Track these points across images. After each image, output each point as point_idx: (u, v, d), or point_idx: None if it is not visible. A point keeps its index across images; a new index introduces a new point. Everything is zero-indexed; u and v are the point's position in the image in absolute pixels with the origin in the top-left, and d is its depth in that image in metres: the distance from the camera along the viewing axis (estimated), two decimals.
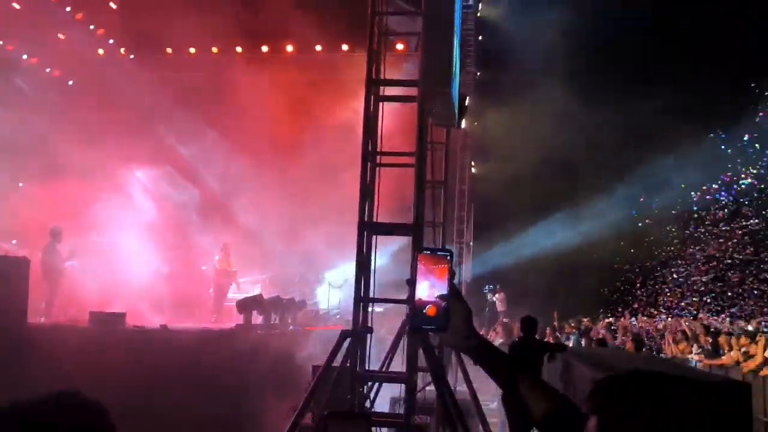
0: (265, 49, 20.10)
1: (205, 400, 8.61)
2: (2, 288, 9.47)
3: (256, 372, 10.12)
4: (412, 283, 1.66)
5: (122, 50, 20.24)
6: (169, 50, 20.26)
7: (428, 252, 1.69)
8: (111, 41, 19.78)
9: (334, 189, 15.12)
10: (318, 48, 20.03)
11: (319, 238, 17.11)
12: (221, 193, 18.60)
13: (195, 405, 8.56)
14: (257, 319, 12.59)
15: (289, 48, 20.06)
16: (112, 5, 18.83)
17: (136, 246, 15.28)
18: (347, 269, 16.30)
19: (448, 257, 1.68)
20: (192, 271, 16.66)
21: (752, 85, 30.03)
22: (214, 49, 20.13)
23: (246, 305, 12.19)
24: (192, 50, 20.23)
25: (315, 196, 16.81)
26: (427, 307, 1.65)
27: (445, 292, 1.65)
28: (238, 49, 20.18)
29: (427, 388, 9.36)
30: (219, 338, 11.13)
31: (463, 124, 7.96)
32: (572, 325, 21.66)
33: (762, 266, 29.91)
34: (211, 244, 16.83)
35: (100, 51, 19.72)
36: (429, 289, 1.65)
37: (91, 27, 18.98)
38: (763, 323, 18.18)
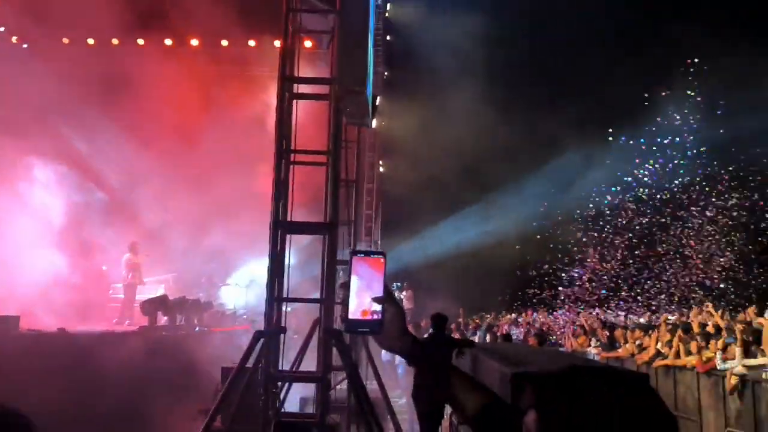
0: (169, 42, 19.49)
1: (107, 404, 8.31)
2: None
3: (161, 374, 9.84)
4: (346, 286, 1.65)
5: (14, 39, 19.18)
6: (65, 40, 19.35)
7: (362, 254, 1.69)
8: (1, 29, 18.72)
9: (242, 186, 14.90)
10: (224, 43, 19.63)
11: (226, 236, 16.78)
12: (124, 190, 17.90)
13: (96, 409, 8.26)
14: (162, 320, 12.24)
15: (194, 42, 19.56)
16: None
17: (30, 247, 14.53)
18: (254, 268, 16.11)
19: (383, 259, 1.69)
20: (93, 272, 15.99)
21: (645, 95, 31.57)
22: (115, 41, 19.35)
23: (150, 306, 11.84)
24: (91, 41, 19.38)
25: (222, 193, 16.46)
26: (362, 309, 1.65)
27: (379, 294, 1.65)
28: (140, 42, 19.49)
29: (339, 386, 9.39)
30: (122, 340, 10.73)
31: (374, 123, 8.02)
32: (476, 321, 22.22)
33: (653, 264, 31.62)
34: (112, 243, 16.21)
35: None
36: (363, 291, 1.66)
37: None
38: (653, 317, 19.21)
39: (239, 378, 5.63)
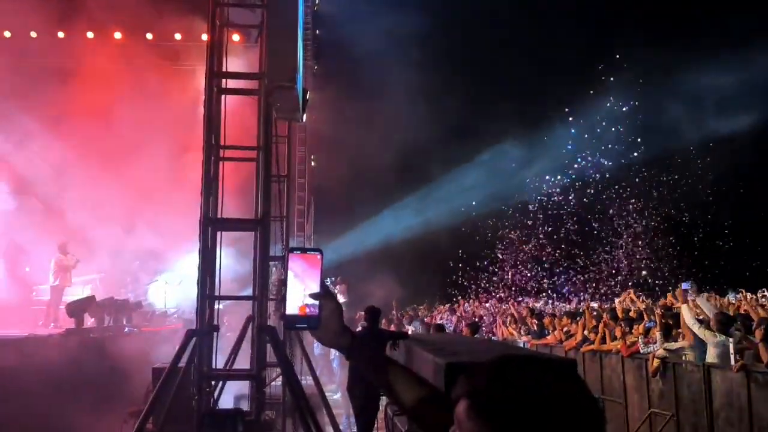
0: (90, 35, 18.87)
1: (37, 409, 8.04)
2: None
3: (89, 377, 9.58)
4: (284, 283, 1.68)
5: None
6: None
7: (299, 251, 1.72)
8: None
9: (171, 182, 14.59)
10: (149, 36, 19.15)
11: (155, 234, 16.41)
12: (47, 188, 17.23)
13: (27, 414, 7.99)
14: (89, 321, 11.89)
15: (118, 35, 18.99)
16: None
17: None
18: (185, 266, 15.81)
19: (320, 256, 1.71)
20: (15, 274, 15.41)
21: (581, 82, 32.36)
22: (33, 34, 18.60)
23: (77, 308, 11.49)
24: (7, 34, 18.59)
25: (150, 190, 16.09)
26: (299, 305, 1.67)
27: (316, 290, 1.68)
28: (60, 35, 18.80)
29: (273, 383, 9.35)
30: (47, 344, 10.38)
31: (305, 118, 7.99)
32: (410, 313, 22.43)
33: (579, 253, 32.58)
34: (35, 243, 15.65)
35: None
36: (300, 288, 1.68)
37: None
38: (581, 304, 19.80)
39: (171, 378, 5.53)
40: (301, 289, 1.68)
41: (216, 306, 6.15)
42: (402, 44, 24.47)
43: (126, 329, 12.70)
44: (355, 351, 1.78)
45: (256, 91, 6.04)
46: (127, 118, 16.30)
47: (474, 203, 33.23)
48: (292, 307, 1.67)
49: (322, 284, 1.70)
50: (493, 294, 29.49)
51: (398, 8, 23.21)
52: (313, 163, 23.75)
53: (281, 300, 1.66)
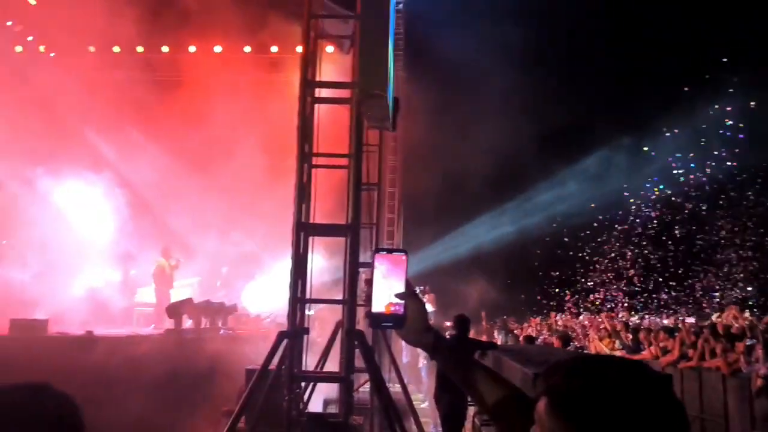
0: (192, 49, 19.72)
1: (134, 406, 8.41)
2: None
3: (188, 377, 9.96)
4: (369, 282, 1.73)
5: (42, 48, 19.51)
6: (92, 48, 19.63)
7: (385, 251, 1.76)
8: (30, 38, 19.06)
9: (266, 190, 15.01)
10: (247, 49, 19.82)
11: (252, 240, 16.93)
12: (151, 194, 18.09)
13: (124, 411, 8.36)
14: (187, 323, 12.37)
15: (218, 48, 19.76)
16: (31, 1, 18.13)
17: (61, 253, 14.85)
18: (280, 271, 16.21)
19: (405, 256, 1.75)
20: (121, 276, 16.22)
21: (685, 89, 31.10)
22: (140, 48, 19.62)
23: (176, 309, 11.97)
24: (117, 49, 19.66)
25: (247, 196, 16.63)
26: (385, 305, 1.72)
27: (401, 290, 1.72)
28: (164, 49, 19.74)
29: (361, 388, 9.44)
30: (148, 343, 10.88)
31: (396, 126, 8.06)
32: (498, 324, 22.16)
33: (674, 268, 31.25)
34: (140, 248, 16.45)
35: (18, 48, 18.99)
36: (386, 287, 1.72)
37: (9, 23, 18.26)
38: (679, 319, 19.01)
39: (262, 379, 5.69)
40: (386, 289, 1.72)
41: (308, 311, 6.29)
42: (496, 49, 24.23)
43: (221, 331, 13.14)
44: (439, 350, 1.80)
45: (348, 100, 6.17)
46: (226, 127, 16.93)
47: (569, 213, 32.35)
48: (378, 306, 1.72)
49: (408, 284, 1.74)
50: (587, 306, 28.75)
51: (491, 11, 23.03)
52: (404, 172, 23.84)
53: (367, 299, 1.71)
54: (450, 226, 28.21)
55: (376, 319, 1.74)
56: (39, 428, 1.26)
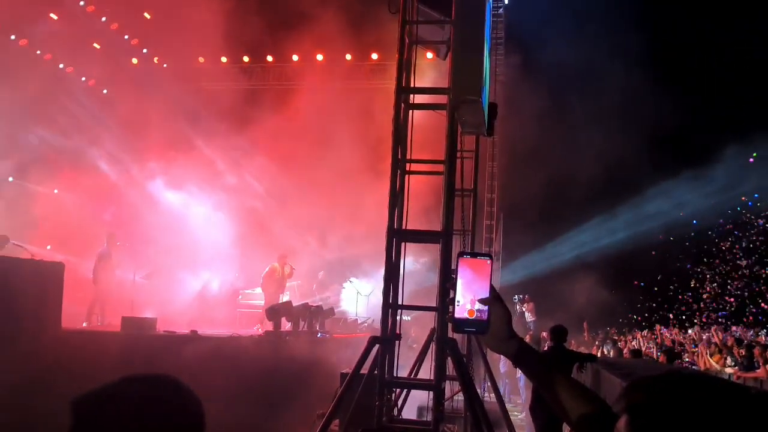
0: (295, 58, 20.28)
1: (232, 405, 8.66)
2: (38, 293, 9.66)
3: (284, 378, 10.18)
4: (453, 286, 1.70)
5: (156, 59, 20.56)
6: (201, 59, 20.53)
7: (469, 255, 1.72)
8: (145, 51, 20.11)
9: (364, 196, 15.19)
10: (348, 57, 20.17)
11: (350, 246, 17.18)
12: (253, 201, 18.70)
13: (222, 409, 8.63)
14: (286, 325, 12.65)
15: (319, 57, 20.21)
16: (147, 15, 19.16)
17: (170, 255, 15.61)
18: (376, 277, 16.37)
19: (489, 261, 1.72)
20: (226, 280, 16.84)
21: None
22: (246, 59, 20.35)
23: (275, 312, 12.26)
24: (224, 59, 20.47)
25: (346, 204, 16.90)
26: (468, 309, 1.68)
27: (485, 295, 1.68)
28: (269, 59, 20.40)
29: (455, 397, 9.35)
30: (248, 344, 11.20)
31: (493, 132, 7.95)
32: (601, 336, 21.46)
33: None
34: (244, 253, 17.05)
35: (134, 60, 20.08)
36: (470, 291, 1.69)
37: (126, 37, 19.33)
38: None
39: (354, 383, 5.73)
40: (470, 294, 1.69)
41: (403, 317, 6.28)
42: (596, 55, 23.52)
43: (319, 334, 13.37)
44: (523, 359, 1.74)
45: (443, 106, 6.13)
46: (326, 132, 17.28)
47: (680, 219, 30.74)
48: (461, 311, 1.69)
49: (492, 289, 1.70)
50: (698, 320, 27.40)
51: (597, 12, 22.38)
52: (502, 179, 23.53)
53: (450, 303, 1.69)
54: (552, 234, 27.53)
55: (458, 324, 1.71)
56: (168, 417, 1.33)
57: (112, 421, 1.28)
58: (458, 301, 1.69)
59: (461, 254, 1.73)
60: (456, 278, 1.70)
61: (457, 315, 1.69)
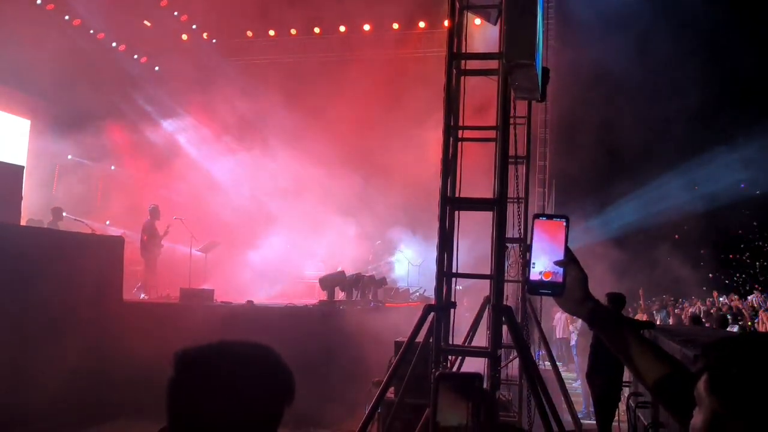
0: (342, 29, 20.21)
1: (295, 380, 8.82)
2: (99, 266, 9.97)
3: (338, 346, 10.31)
4: (528, 248, 1.69)
5: (205, 35, 20.73)
6: (249, 33, 20.62)
7: (544, 217, 1.70)
8: (194, 26, 20.29)
9: (418, 164, 15.14)
10: (395, 26, 20.01)
11: (403, 215, 17.22)
12: (309, 170, 18.82)
13: None
14: (339, 295, 12.79)
15: (366, 27, 20.09)
16: None
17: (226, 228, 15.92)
18: (428, 246, 16.39)
19: (565, 222, 1.69)
20: (280, 253, 17.09)
21: None
22: (293, 31, 20.36)
23: (329, 282, 12.39)
24: (272, 33, 20.53)
25: (396, 173, 16.89)
26: (544, 272, 1.67)
27: (561, 257, 1.66)
28: (316, 30, 20.36)
29: (510, 364, 9.35)
30: (303, 313, 11.38)
31: (545, 98, 7.79)
32: (657, 304, 21.11)
33: None
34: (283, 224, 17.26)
35: (184, 36, 20.29)
36: (546, 253, 1.67)
37: (175, 13, 19.51)
38: None
39: (409, 351, 5.76)
40: (545, 256, 1.67)
41: (455, 286, 6.26)
42: (652, 21, 22.75)
43: (371, 304, 13.48)
44: (598, 321, 1.72)
45: (495, 71, 6.03)
46: (378, 105, 17.23)
47: (742, 184, 29.72)
48: (536, 273, 1.67)
49: (568, 251, 1.67)
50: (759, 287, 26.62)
51: None
52: (554, 146, 23.13)
53: (525, 265, 1.69)
54: (607, 201, 27.03)
55: (533, 286, 1.69)
56: (260, 381, 1.39)
57: (210, 377, 1.34)
58: (533, 264, 1.68)
59: (537, 216, 1.71)
60: (531, 240, 1.68)
61: (532, 277, 1.69)
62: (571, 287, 1.67)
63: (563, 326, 16.74)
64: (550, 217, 1.71)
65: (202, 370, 1.36)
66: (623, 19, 22.03)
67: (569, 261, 1.68)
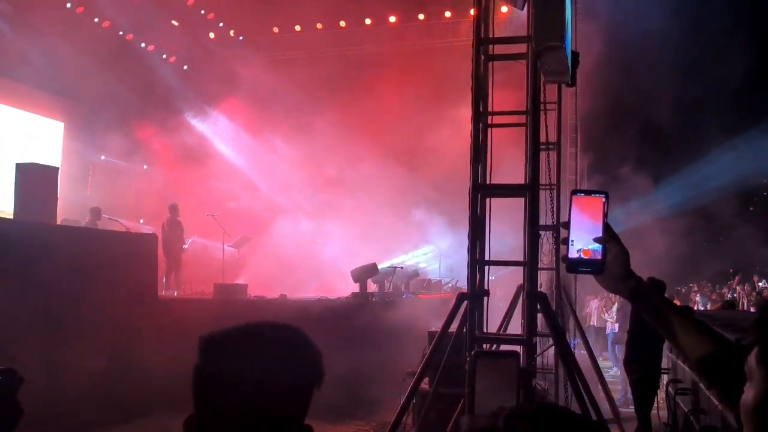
0: (368, 21, 20.16)
1: (325, 364, 8.84)
2: (135, 263, 10.09)
3: (372, 338, 10.32)
4: (566, 225, 1.63)
5: (232, 32, 20.83)
6: (275, 29, 20.67)
7: (582, 193, 1.65)
8: (221, 24, 20.39)
9: (445, 156, 15.06)
10: (420, 17, 19.93)
11: (433, 205, 17.17)
12: (334, 167, 18.82)
13: None
14: (372, 287, 12.80)
15: (392, 19, 20.04)
16: None
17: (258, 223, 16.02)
18: (460, 237, 16.31)
19: (604, 198, 1.63)
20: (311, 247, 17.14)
21: None
22: (319, 26, 20.36)
23: (361, 274, 12.41)
24: (297, 28, 20.55)
25: (427, 165, 16.84)
26: (583, 249, 1.61)
27: (599, 234, 1.61)
28: (342, 24, 20.34)
29: (545, 353, 9.25)
30: (336, 306, 11.41)
31: (575, 81, 7.65)
32: (695, 289, 20.79)
33: None
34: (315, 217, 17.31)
35: (211, 35, 20.41)
36: (584, 231, 1.61)
37: (202, 12, 19.62)
38: None
39: (443, 341, 5.74)
40: (584, 233, 1.62)
41: (488, 276, 6.19)
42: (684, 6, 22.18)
43: (404, 295, 13.47)
44: (640, 297, 1.66)
45: (524, 55, 5.96)
46: (405, 96, 17.17)
47: None
48: (575, 251, 1.62)
49: (607, 227, 1.63)
50: None
51: None
52: (585, 131, 22.81)
53: (563, 242, 1.63)
54: (639, 186, 26.51)
55: (572, 265, 1.63)
56: (293, 365, 1.34)
57: (236, 360, 1.30)
58: (572, 241, 1.62)
59: (575, 192, 1.66)
60: (570, 217, 1.64)
61: (570, 255, 1.62)
62: (611, 264, 1.61)
63: (597, 315, 16.56)
64: (588, 192, 1.65)
65: (229, 353, 1.32)
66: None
67: (609, 237, 1.61)
